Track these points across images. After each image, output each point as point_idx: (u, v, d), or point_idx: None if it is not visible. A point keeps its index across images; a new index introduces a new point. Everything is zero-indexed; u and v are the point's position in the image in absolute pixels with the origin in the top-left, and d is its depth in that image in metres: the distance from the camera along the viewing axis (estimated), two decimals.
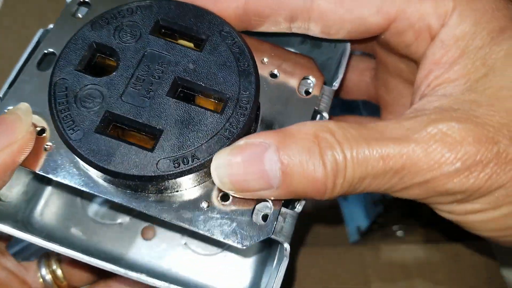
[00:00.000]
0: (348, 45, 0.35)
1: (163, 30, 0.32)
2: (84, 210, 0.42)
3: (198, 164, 0.28)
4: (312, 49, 0.38)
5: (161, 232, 0.42)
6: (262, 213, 0.29)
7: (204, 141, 0.28)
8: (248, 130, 0.29)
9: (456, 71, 0.28)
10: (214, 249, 0.41)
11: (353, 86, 0.44)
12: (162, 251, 0.41)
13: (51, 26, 0.34)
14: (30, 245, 0.41)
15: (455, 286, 0.54)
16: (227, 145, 0.28)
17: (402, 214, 0.68)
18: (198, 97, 0.31)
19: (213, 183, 0.29)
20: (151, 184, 0.28)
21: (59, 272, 0.40)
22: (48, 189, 0.42)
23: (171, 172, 0.27)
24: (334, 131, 0.27)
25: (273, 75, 0.34)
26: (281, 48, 0.35)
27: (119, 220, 0.42)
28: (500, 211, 0.27)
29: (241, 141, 0.27)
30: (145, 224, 0.42)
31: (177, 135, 0.28)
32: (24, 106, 0.29)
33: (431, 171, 0.26)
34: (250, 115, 0.29)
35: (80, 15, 0.34)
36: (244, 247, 0.28)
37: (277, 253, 0.32)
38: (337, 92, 0.35)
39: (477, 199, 0.27)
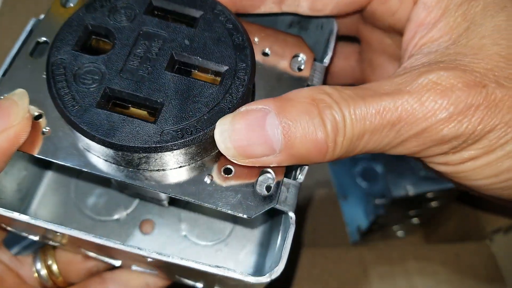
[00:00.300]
0: (335, 22, 0.36)
1: (156, 12, 0.32)
2: (80, 208, 0.41)
3: (201, 133, 0.28)
4: (299, 32, 0.39)
5: (160, 225, 0.41)
6: (266, 184, 0.30)
7: (206, 112, 0.28)
8: (246, 100, 0.30)
9: (439, 29, 0.30)
10: (214, 239, 0.41)
11: (339, 71, 0.45)
12: (162, 244, 0.40)
13: (42, 16, 0.34)
14: (26, 240, 0.41)
15: (455, 286, 0.54)
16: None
17: (402, 214, 0.68)
18: (196, 73, 0.31)
19: (215, 158, 0.30)
20: (155, 158, 0.28)
21: (54, 267, 0.40)
22: (42, 188, 0.42)
23: (176, 142, 0.27)
24: (331, 92, 0.28)
25: (265, 54, 0.34)
26: (270, 29, 0.36)
27: (115, 216, 0.41)
28: (494, 154, 0.28)
29: (242, 108, 0.28)
30: (143, 218, 0.41)
31: (178, 108, 0.28)
32: (20, 91, 0.29)
33: (426, 120, 0.27)
34: (248, 85, 0.29)
35: (71, 4, 0.34)
36: (250, 217, 0.29)
37: (282, 226, 0.32)
38: (324, 79, 0.36)
39: (471, 145, 0.28)
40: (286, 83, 0.33)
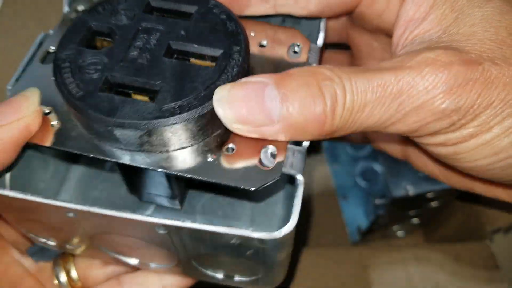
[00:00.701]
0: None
1: (154, 12, 0.34)
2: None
3: (199, 108, 0.29)
4: (293, 26, 0.40)
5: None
6: (269, 158, 0.30)
7: (202, 89, 0.29)
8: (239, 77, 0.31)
9: (429, 21, 0.31)
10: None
11: None
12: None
13: (51, 31, 0.36)
14: (47, 250, 0.42)
15: (455, 286, 0.54)
16: None
17: (402, 214, 0.68)
18: (193, 60, 0.32)
19: (217, 138, 0.31)
20: (156, 135, 0.29)
21: (74, 273, 0.41)
22: (70, 182, 0.43)
23: (175, 117, 0.28)
24: (331, 68, 0.28)
25: (262, 45, 0.36)
26: (265, 23, 0.37)
27: None
28: (492, 132, 0.29)
29: (242, 80, 0.29)
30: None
31: (176, 88, 0.29)
32: (31, 88, 0.31)
33: (428, 92, 0.27)
34: (243, 65, 0.31)
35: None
36: (256, 189, 0.29)
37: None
38: (320, 60, 0.37)
39: (470, 123, 0.28)
40: (284, 70, 0.35)
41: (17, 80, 0.34)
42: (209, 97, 0.29)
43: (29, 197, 0.29)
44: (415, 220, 0.71)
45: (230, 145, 0.30)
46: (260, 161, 0.30)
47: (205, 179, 0.29)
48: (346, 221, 0.73)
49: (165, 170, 0.30)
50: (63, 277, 0.41)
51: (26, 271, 0.40)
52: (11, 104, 0.30)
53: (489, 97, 0.27)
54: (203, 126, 0.30)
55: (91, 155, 0.30)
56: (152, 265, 0.39)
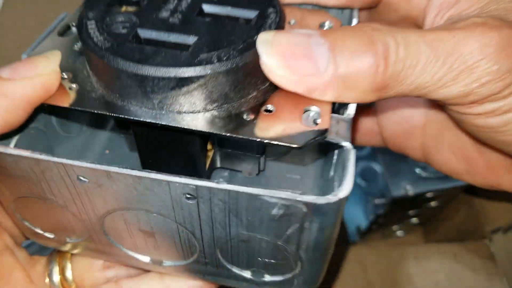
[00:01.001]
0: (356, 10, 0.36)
1: None
2: None
3: (238, 57, 0.26)
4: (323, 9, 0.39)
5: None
6: (312, 119, 0.27)
7: (240, 42, 0.27)
8: None
9: (464, 2, 0.30)
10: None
11: None
12: None
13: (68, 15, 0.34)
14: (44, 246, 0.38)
15: (455, 285, 0.54)
16: None
17: (401, 214, 0.68)
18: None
19: (254, 99, 0.28)
20: (190, 89, 0.27)
21: (69, 273, 0.38)
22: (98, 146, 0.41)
23: (212, 65, 0.26)
24: (381, 23, 0.27)
25: (290, 23, 0.34)
26: (294, 7, 0.36)
27: None
28: None
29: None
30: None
31: (212, 39, 0.27)
32: (53, 50, 0.30)
33: (481, 51, 0.26)
34: (280, 24, 0.29)
35: None
36: (300, 147, 0.26)
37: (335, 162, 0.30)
38: None
39: (506, 98, 0.28)
40: None
41: (33, 50, 0.31)
42: (248, 48, 0.26)
43: (38, 156, 0.26)
44: (415, 220, 0.71)
45: (269, 106, 0.28)
46: (302, 121, 0.27)
47: (245, 137, 0.26)
48: (345, 221, 0.73)
49: (202, 130, 0.27)
50: (56, 276, 0.37)
51: (17, 262, 0.37)
52: (28, 61, 0.28)
53: None
54: (242, 80, 0.27)
55: (114, 115, 0.28)
56: (166, 263, 0.34)
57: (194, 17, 0.29)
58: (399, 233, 0.74)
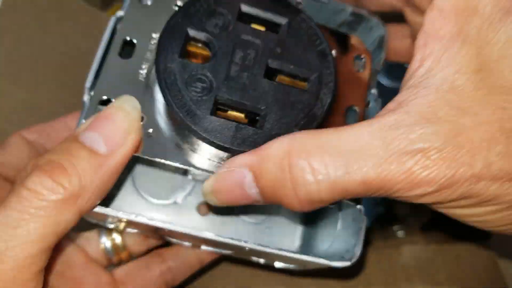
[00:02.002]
0: (385, 30, 0.38)
1: (245, 18, 0.33)
2: (138, 192, 0.41)
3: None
4: (348, 32, 0.40)
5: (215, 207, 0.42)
6: None
7: (302, 117, 0.31)
8: (331, 105, 0.32)
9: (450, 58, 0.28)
10: (261, 217, 0.43)
11: (398, 51, 0.47)
12: (220, 224, 0.42)
13: (120, 13, 0.34)
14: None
15: (455, 286, 0.54)
16: (319, 121, 0.32)
17: (402, 214, 0.68)
18: (281, 77, 0.33)
19: None
20: None
21: (118, 240, 0.41)
22: None
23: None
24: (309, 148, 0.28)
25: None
26: (327, 30, 0.38)
27: (173, 200, 0.42)
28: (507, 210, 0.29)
29: (224, 168, 0.30)
30: (199, 200, 0.42)
31: (280, 114, 0.31)
32: (127, 97, 0.28)
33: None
34: (335, 91, 0.32)
35: (148, 2, 0.35)
36: None
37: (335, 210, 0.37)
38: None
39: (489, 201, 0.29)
40: (348, 82, 0.37)
41: (96, 77, 0.32)
42: (307, 125, 0.31)
43: (140, 219, 0.32)
44: (416, 220, 0.71)
45: None
46: None
47: None
48: None
49: None
50: (108, 244, 0.41)
51: (75, 247, 0.39)
52: (115, 124, 0.26)
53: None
54: None
55: (191, 169, 0.32)
56: (204, 247, 0.41)
57: (261, 79, 0.32)
58: (400, 233, 0.74)
